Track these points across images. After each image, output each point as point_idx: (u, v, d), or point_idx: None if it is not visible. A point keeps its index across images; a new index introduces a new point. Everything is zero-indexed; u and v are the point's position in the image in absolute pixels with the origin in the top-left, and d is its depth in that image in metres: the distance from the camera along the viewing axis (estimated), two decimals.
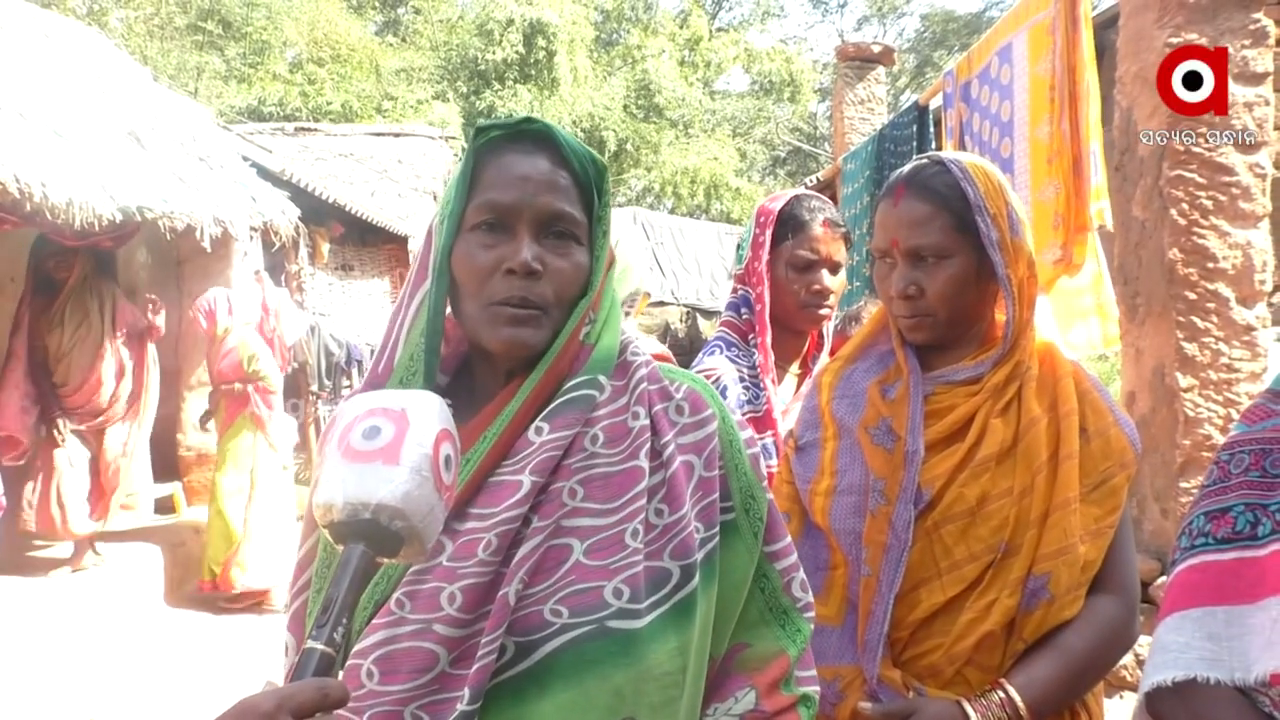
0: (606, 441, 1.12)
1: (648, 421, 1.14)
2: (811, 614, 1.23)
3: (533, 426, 1.10)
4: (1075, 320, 3.82)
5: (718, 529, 1.14)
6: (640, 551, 1.07)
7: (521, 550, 1.04)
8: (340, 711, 0.94)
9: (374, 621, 1.04)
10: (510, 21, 21.47)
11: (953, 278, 1.55)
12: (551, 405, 1.11)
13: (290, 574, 1.23)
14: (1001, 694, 1.45)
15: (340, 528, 0.85)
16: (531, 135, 1.15)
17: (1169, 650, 1.30)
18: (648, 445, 1.13)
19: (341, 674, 1.02)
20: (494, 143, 1.15)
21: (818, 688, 1.21)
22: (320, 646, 0.80)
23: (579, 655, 1.02)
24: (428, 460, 0.86)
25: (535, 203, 1.12)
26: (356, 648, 1.02)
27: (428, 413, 0.90)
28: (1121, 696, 3.88)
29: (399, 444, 0.86)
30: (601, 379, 1.14)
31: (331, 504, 0.85)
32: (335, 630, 0.81)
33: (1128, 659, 3.86)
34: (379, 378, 1.15)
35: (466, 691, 0.99)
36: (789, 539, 1.23)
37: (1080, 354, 3.98)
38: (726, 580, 1.13)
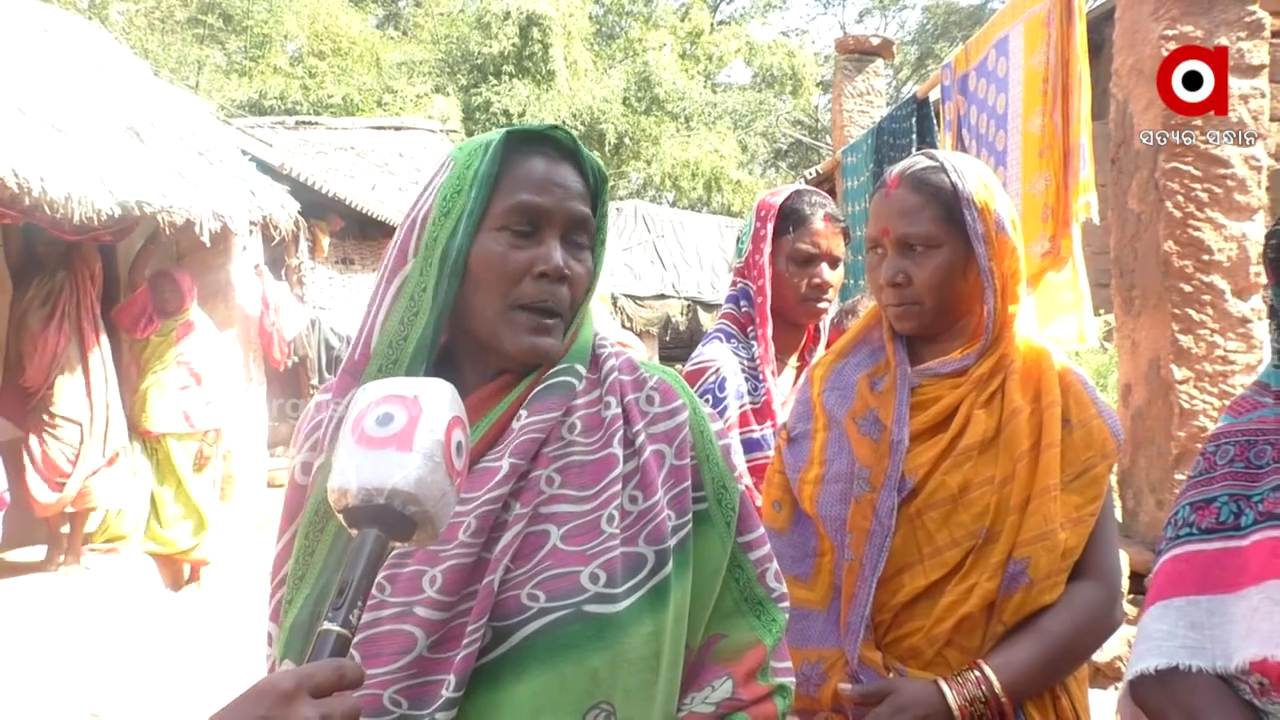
0: (583, 430, 1.15)
1: (620, 410, 1.17)
2: (786, 604, 1.24)
3: (514, 415, 1.13)
4: (1057, 315, 3.83)
5: (690, 517, 1.15)
6: (617, 537, 1.09)
7: (504, 538, 1.06)
8: None
9: None
10: (507, 14, 21.45)
11: (939, 267, 1.60)
12: (533, 393, 1.14)
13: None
14: (978, 673, 1.49)
15: (355, 513, 0.88)
16: (555, 142, 1.18)
17: (1153, 639, 1.32)
18: (621, 433, 1.15)
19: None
20: (520, 146, 1.17)
21: (793, 679, 1.22)
22: (336, 628, 0.82)
23: (555, 639, 1.03)
24: (440, 446, 0.89)
25: (564, 208, 1.15)
26: None
27: (440, 400, 0.92)
28: (1115, 688, 3.90)
29: (412, 430, 0.89)
30: (579, 368, 1.18)
31: (346, 489, 0.87)
32: (351, 613, 0.83)
33: (1122, 651, 3.87)
34: (356, 365, 1.15)
35: (452, 678, 1.01)
36: (762, 530, 1.25)
37: (1065, 348, 3.99)
38: (700, 569, 1.15)
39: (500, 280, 1.13)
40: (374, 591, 1.04)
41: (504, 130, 1.18)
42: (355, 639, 1.01)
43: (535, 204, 1.14)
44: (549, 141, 1.17)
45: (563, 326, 1.16)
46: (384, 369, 1.13)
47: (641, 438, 1.16)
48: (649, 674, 1.07)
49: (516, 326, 1.13)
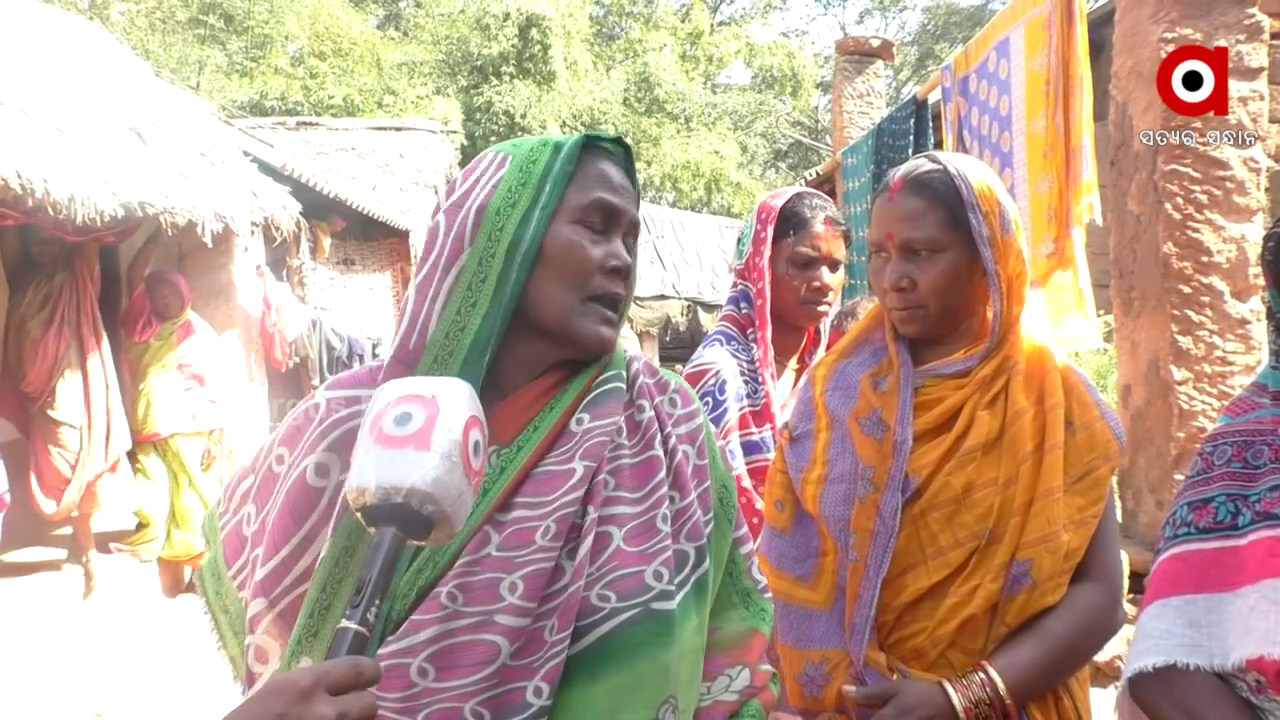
0: (627, 433, 1.18)
1: (653, 413, 1.21)
2: (769, 595, 1.29)
3: (573, 418, 1.14)
4: (1064, 315, 3.86)
5: (712, 514, 1.20)
6: (669, 535, 1.12)
7: (584, 545, 1.07)
8: (387, 713, 0.97)
9: (417, 618, 1.03)
10: (506, 15, 21.47)
11: (944, 271, 1.59)
12: (590, 397, 1.17)
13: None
14: (982, 675, 1.49)
15: (373, 511, 0.89)
16: (619, 152, 1.24)
17: (1151, 637, 1.33)
18: (658, 435, 1.19)
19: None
20: (590, 150, 1.21)
21: (771, 667, 1.27)
22: (354, 626, 0.83)
23: (629, 638, 1.05)
24: (457, 446, 0.90)
25: (629, 211, 1.21)
26: (399, 646, 1.02)
27: (457, 399, 0.94)
28: (1115, 687, 3.91)
29: (430, 430, 0.90)
30: (623, 373, 1.21)
31: (364, 488, 0.89)
32: (369, 611, 0.84)
33: (1122, 650, 3.89)
34: (410, 355, 1.14)
35: (544, 686, 1.01)
36: (746, 527, 1.30)
37: (1070, 348, 4.01)
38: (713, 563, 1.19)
39: (577, 271, 1.16)
40: (444, 602, 1.04)
41: (582, 134, 1.22)
42: (427, 652, 1.01)
43: (611, 203, 1.18)
44: (613, 151, 1.23)
45: (618, 324, 1.21)
46: (439, 360, 1.13)
47: (672, 440, 1.20)
48: (698, 665, 1.12)
49: (592, 317, 1.16)
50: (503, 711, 1.01)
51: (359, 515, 0.91)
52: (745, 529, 1.30)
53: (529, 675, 1.02)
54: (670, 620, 1.07)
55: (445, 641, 1.02)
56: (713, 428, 1.30)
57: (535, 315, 1.16)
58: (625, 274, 1.19)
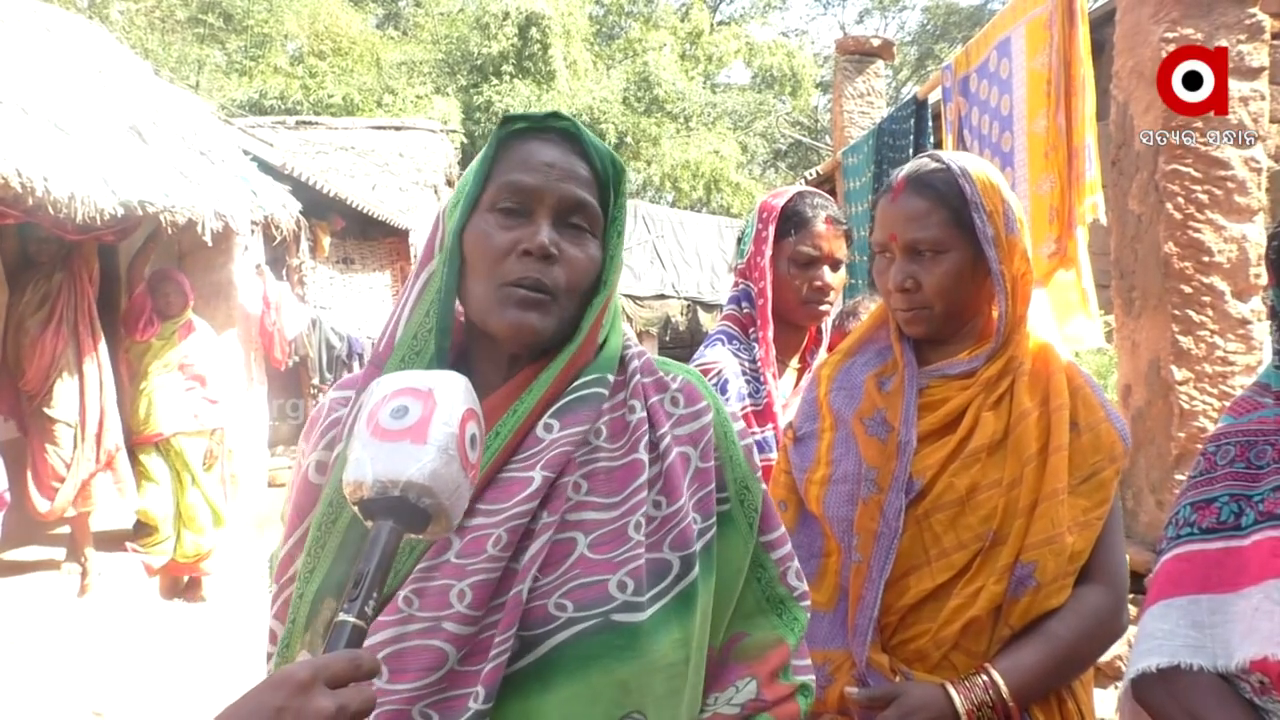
0: (609, 436, 1.14)
1: (645, 414, 1.16)
2: (807, 603, 1.24)
3: (541, 423, 1.11)
4: (1069, 314, 3.85)
5: (714, 519, 1.15)
6: (643, 544, 1.08)
7: (532, 548, 1.04)
8: None
9: (379, 619, 1.03)
10: (506, 14, 21.49)
11: (949, 272, 1.59)
12: (562, 402, 1.12)
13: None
14: (985, 677, 1.48)
15: (370, 505, 0.89)
16: (557, 129, 1.16)
17: (1154, 637, 1.33)
18: (646, 438, 1.14)
19: None
20: (519, 133, 1.16)
21: (813, 677, 1.22)
22: (352, 619, 0.83)
23: (583, 649, 1.02)
24: (454, 439, 0.89)
25: (557, 188, 1.13)
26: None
27: (454, 392, 0.93)
28: (1116, 687, 3.91)
29: (427, 423, 0.89)
30: (609, 377, 1.16)
31: (362, 481, 0.88)
32: (366, 604, 0.84)
33: (1124, 651, 3.88)
34: (380, 356, 1.16)
35: (481, 690, 0.99)
36: (783, 529, 1.25)
37: (1075, 347, 4.01)
38: (723, 570, 1.15)
39: (487, 259, 1.12)
40: (401, 606, 1.03)
41: (501, 120, 1.18)
42: (382, 654, 1.00)
43: (523, 183, 1.12)
44: (552, 129, 1.16)
45: (556, 309, 1.12)
46: (407, 360, 1.13)
47: (666, 441, 1.15)
48: (678, 680, 1.07)
49: (501, 303, 1.11)
50: (448, 715, 1.00)
51: (356, 509, 0.90)
52: (780, 531, 1.24)
53: (474, 681, 1.01)
54: (633, 633, 1.03)
55: (398, 645, 1.02)
56: (734, 426, 1.23)
57: (470, 315, 1.16)
58: (542, 256, 1.10)
